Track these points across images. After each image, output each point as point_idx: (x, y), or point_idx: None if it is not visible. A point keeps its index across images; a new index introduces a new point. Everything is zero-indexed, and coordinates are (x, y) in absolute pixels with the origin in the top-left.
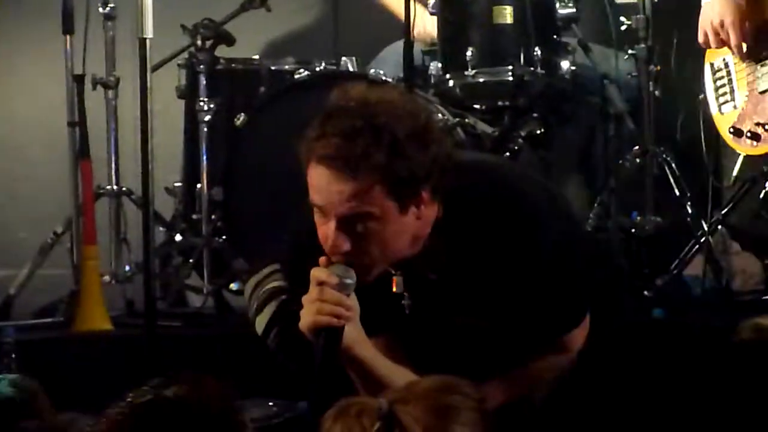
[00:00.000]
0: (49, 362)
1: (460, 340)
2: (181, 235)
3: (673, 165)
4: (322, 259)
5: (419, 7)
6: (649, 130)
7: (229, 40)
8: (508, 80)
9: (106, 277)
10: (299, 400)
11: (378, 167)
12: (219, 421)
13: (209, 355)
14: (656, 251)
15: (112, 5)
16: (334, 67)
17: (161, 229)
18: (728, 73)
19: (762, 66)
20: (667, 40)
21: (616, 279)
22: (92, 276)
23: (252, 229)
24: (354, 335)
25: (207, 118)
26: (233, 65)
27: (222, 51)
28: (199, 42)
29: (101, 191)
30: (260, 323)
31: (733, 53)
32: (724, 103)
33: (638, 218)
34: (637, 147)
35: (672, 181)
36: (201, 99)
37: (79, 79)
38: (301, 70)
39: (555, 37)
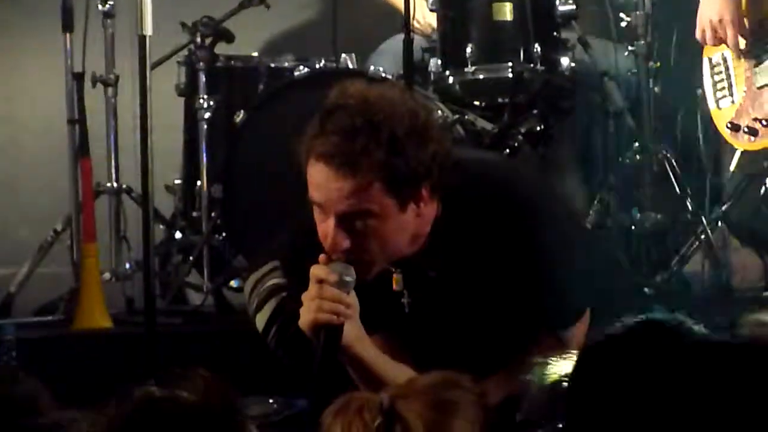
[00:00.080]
0: (49, 360)
1: (459, 337)
2: (181, 232)
3: (673, 161)
4: (322, 257)
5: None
6: (648, 127)
7: (229, 38)
8: (508, 77)
9: (106, 275)
10: (299, 398)
11: (377, 165)
12: (222, 419)
13: (209, 352)
14: (656, 248)
15: (111, 3)
16: (334, 65)
17: (161, 226)
18: (726, 69)
19: (760, 62)
20: (667, 37)
21: (615, 276)
22: (92, 274)
23: (252, 227)
24: (354, 333)
25: (206, 115)
26: (232, 63)
27: (221, 48)
28: (198, 39)
29: (101, 189)
30: (260, 321)
31: (731, 49)
32: (721, 98)
33: (638, 215)
34: (636, 144)
35: (672, 177)
36: (200, 96)
37: (78, 77)
38: (301, 68)
39: (554, 33)
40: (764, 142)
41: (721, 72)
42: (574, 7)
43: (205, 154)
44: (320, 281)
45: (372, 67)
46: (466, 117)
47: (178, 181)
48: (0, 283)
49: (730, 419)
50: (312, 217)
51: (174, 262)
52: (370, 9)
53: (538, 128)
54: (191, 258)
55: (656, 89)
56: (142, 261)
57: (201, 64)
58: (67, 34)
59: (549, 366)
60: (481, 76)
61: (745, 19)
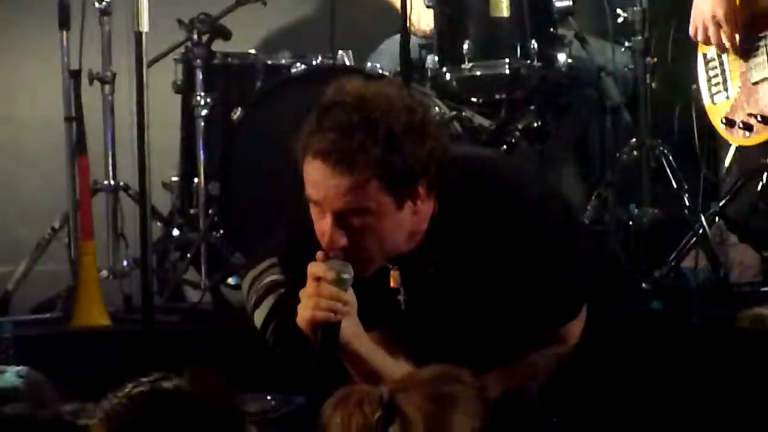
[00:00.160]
0: (47, 357)
1: (457, 333)
2: (179, 230)
3: (670, 157)
4: (319, 254)
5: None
6: (645, 123)
7: (226, 35)
8: (505, 73)
9: (104, 273)
10: (297, 395)
11: (374, 162)
12: (219, 414)
13: (207, 350)
14: (654, 244)
15: (108, 0)
16: (331, 62)
17: (158, 224)
18: (721, 64)
19: (754, 57)
20: (664, 32)
21: (613, 271)
22: (89, 271)
23: (249, 224)
24: (352, 330)
25: (203, 112)
26: (229, 60)
27: (218, 45)
28: (195, 37)
29: (98, 186)
30: (258, 318)
31: (725, 45)
32: (716, 93)
33: (635, 211)
34: (633, 139)
35: (669, 173)
36: (197, 93)
37: (75, 75)
38: (298, 65)
39: (552, 29)
40: (759, 137)
41: (715, 67)
42: (571, 3)
43: (202, 151)
44: (318, 279)
45: (369, 65)
46: (464, 113)
47: (175, 179)
48: None
49: (726, 408)
50: (309, 214)
51: (171, 259)
52: (367, 6)
53: (536, 124)
54: (189, 255)
55: (653, 85)
56: (139, 258)
57: (198, 61)
58: (64, 32)
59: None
60: (478, 73)
61: (739, 15)
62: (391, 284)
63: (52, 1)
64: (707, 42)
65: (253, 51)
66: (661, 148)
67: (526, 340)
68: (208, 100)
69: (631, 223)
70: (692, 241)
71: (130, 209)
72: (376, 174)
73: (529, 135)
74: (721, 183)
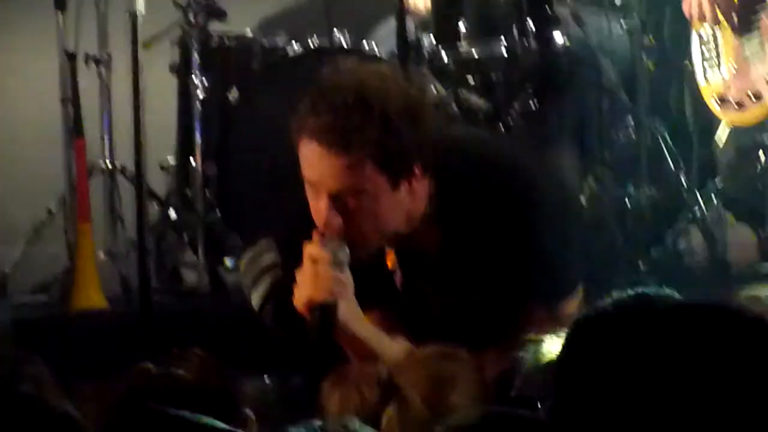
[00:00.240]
0: (44, 340)
1: (455, 313)
2: (175, 211)
3: (667, 136)
4: (315, 235)
5: None
6: (642, 103)
7: (222, 16)
8: (502, 54)
9: (101, 255)
10: (294, 376)
11: (370, 143)
12: (218, 396)
13: (204, 331)
14: (651, 223)
15: None
16: (327, 42)
17: (155, 206)
18: (715, 42)
19: (747, 33)
20: (661, 12)
21: (610, 251)
22: (86, 254)
23: (246, 205)
24: (349, 311)
25: (200, 94)
26: (226, 41)
27: (214, 26)
28: (191, 18)
29: (95, 168)
30: (255, 298)
31: (719, 23)
32: (709, 71)
33: (632, 190)
34: (630, 119)
35: (666, 152)
36: (194, 75)
37: (71, 56)
38: (294, 45)
39: (548, 9)
40: (752, 114)
41: (710, 45)
42: None
43: (198, 133)
44: (314, 259)
45: (366, 46)
46: (460, 94)
47: (172, 160)
48: None
49: (719, 392)
50: (306, 195)
51: (168, 241)
52: None
53: (532, 105)
54: (186, 237)
55: (650, 64)
56: (136, 240)
57: (194, 42)
58: (60, 13)
59: (542, 344)
60: (475, 53)
61: None
62: (389, 265)
63: None
64: (701, 18)
65: (249, 32)
66: (658, 127)
67: (522, 318)
68: (205, 81)
69: (627, 202)
70: (690, 221)
71: (127, 191)
72: (371, 155)
73: (526, 115)
74: (717, 162)
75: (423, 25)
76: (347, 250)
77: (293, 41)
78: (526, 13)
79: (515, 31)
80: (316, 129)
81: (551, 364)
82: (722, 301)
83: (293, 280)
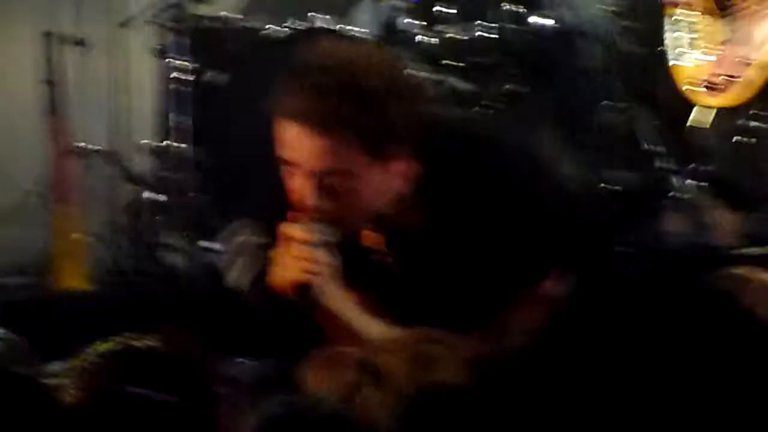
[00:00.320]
0: (25, 321)
1: (440, 295)
2: (155, 193)
3: (646, 120)
4: (295, 215)
5: None
6: (620, 86)
7: None
8: (486, 37)
9: (81, 236)
10: (272, 357)
11: (352, 123)
12: (188, 372)
13: (183, 313)
14: (632, 206)
15: None
16: (308, 24)
17: (134, 187)
18: (689, 25)
19: (723, 17)
20: None
21: (589, 234)
22: (66, 235)
23: (225, 186)
24: (332, 292)
25: (179, 75)
26: (205, 23)
27: (194, 8)
28: None
29: (74, 150)
30: (233, 278)
31: (695, 6)
32: (682, 55)
33: (611, 173)
34: (612, 102)
35: (647, 135)
36: (173, 56)
37: (49, 37)
38: (276, 28)
39: None
40: (725, 97)
41: (683, 29)
42: None
43: (177, 115)
44: (293, 239)
45: (347, 28)
46: (445, 78)
47: (150, 142)
48: None
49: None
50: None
51: (146, 222)
52: None
53: (516, 88)
54: (164, 218)
55: (631, 48)
56: (116, 222)
57: (174, 24)
58: None
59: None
60: (459, 36)
61: None
62: (374, 246)
63: None
64: (674, 3)
65: (229, 14)
66: (640, 110)
67: (508, 300)
68: (184, 63)
69: (610, 185)
70: (670, 204)
71: (107, 173)
72: (353, 135)
73: (510, 98)
74: (696, 145)
75: (405, 8)
76: (329, 231)
77: (273, 23)
78: None
79: (498, 14)
80: (296, 110)
81: None
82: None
83: (272, 260)
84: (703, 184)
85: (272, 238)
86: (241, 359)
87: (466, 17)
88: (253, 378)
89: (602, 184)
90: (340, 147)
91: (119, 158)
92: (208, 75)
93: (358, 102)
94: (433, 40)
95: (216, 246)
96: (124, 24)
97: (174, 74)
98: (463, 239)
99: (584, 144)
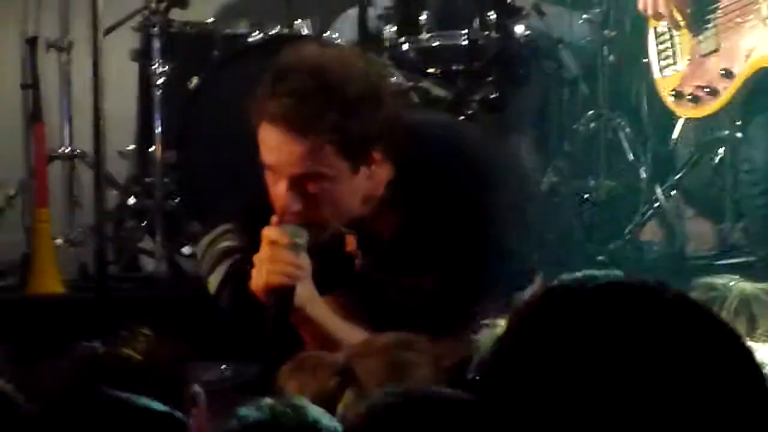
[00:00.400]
0: (2, 325)
1: (413, 298)
2: (135, 198)
3: (627, 129)
4: (274, 219)
5: None
6: (602, 95)
7: (183, 3)
8: (463, 44)
9: (59, 241)
10: (252, 362)
11: (329, 127)
12: (165, 376)
13: (162, 318)
14: (610, 216)
15: None
16: (289, 31)
17: (114, 192)
18: (671, 37)
19: (705, 30)
20: (622, 5)
21: (569, 243)
22: (44, 239)
23: (206, 192)
24: (306, 295)
25: (161, 81)
26: (187, 28)
27: (176, 14)
28: (153, 5)
29: (54, 154)
30: (213, 283)
31: (675, 19)
32: (666, 67)
33: (592, 182)
34: (591, 111)
35: (626, 145)
36: (155, 62)
37: (32, 42)
38: (255, 34)
39: (509, 0)
40: (706, 108)
41: (666, 41)
42: None
43: (159, 120)
44: (272, 243)
45: (328, 34)
46: (421, 84)
47: (131, 147)
48: None
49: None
50: (265, 179)
51: (127, 227)
52: None
53: (493, 95)
54: (144, 224)
55: (611, 57)
56: (95, 226)
57: (156, 29)
58: None
59: (499, 328)
60: (436, 43)
61: None
62: (347, 249)
63: None
64: (657, 16)
65: (211, 20)
66: (618, 120)
67: (481, 305)
68: (166, 68)
69: (587, 194)
70: (649, 214)
71: (86, 177)
72: (331, 139)
73: (487, 106)
74: (676, 155)
75: (386, 16)
76: (305, 234)
77: (254, 29)
78: (488, 3)
79: (477, 22)
80: (275, 113)
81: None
82: (644, 280)
83: (251, 264)
84: (682, 194)
85: (255, 244)
86: (220, 364)
87: (444, 26)
88: (232, 383)
89: (582, 194)
90: (316, 151)
91: (100, 163)
92: (190, 80)
93: (336, 106)
94: (411, 47)
95: (197, 251)
96: (108, 31)
97: (156, 79)
98: (437, 243)
99: (564, 153)
